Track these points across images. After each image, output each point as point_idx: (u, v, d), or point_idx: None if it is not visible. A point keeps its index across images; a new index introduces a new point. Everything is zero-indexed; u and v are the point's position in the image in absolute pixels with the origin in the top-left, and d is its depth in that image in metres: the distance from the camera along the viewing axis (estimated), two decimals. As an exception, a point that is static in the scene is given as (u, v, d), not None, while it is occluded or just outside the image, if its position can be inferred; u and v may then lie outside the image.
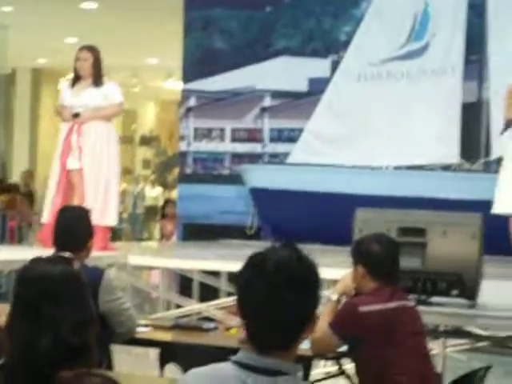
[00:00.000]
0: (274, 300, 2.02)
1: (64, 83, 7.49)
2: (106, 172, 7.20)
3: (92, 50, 7.20)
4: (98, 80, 7.12)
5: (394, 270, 3.90)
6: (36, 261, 2.16)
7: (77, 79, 7.22)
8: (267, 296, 2.02)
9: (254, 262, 2.09)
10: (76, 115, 7.09)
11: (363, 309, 3.74)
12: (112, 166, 7.24)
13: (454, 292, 4.39)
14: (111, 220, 7.26)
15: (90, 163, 7.11)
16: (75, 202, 6.92)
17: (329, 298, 3.98)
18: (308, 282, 2.07)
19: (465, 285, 4.37)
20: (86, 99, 7.10)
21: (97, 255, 5.39)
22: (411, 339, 3.77)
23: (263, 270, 2.05)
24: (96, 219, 6.76)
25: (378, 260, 3.87)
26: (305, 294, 2.05)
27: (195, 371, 2.14)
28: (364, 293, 3.89)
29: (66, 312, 2.03)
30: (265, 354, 2.06)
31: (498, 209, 6.64)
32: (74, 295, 2.07)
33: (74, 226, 4.15)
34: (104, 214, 7.12)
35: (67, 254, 3.96)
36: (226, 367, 2.09)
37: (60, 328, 2.01)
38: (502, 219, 6.69)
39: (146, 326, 4.67)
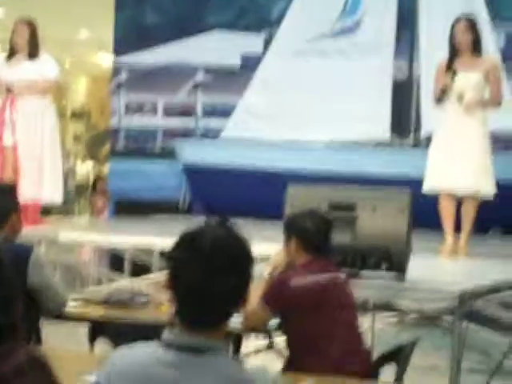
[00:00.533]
0: (208, 277, 2.02)
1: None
2: (40, 148, 7.11)
3: (29, 23, 7.10)
4: (33, 53, 7.02)
5: (326, 244, 3.98)
6: None
7: (13, 53, 7.11)
8: (201, 273, 2.02)
9: (188, 239, 2.07)
10: (8, 90, 6.99)
11: (294, 282, 3.79)
12: (47, 142, 7.15)
13: (384, 266, 4.45)
14: (46, 197, 7.18)
15: (23, 139, 7.01)
16: (7, 178, 6.83)
17: (261, 273, 4.01)
18: (242, 260, 2.07)
19: (394, 259, 4.43)
20: (20, 73, 7.00)
21: (26, 231, 5.32)
22: (341, 312, 3.82)
23: (198, 247, 2.04)
24: (29, 196, 6.71)
25: (311, 234, 3.95)
26: (239, 271, 2.06)
27: (121, 353, 2.13)
28: (296, 268, 3.93)
29: None
30: (194, 331, 2.05)
31: (426, 187, 6.71)
32: None
33: None
34: (38, 190, 7.04)
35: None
36: (151, 349, 2.08)
37: None
38: (433, 195, 6.78)
39: (76, 301, 4.64)
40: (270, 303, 3.82)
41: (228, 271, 2.03)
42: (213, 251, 2.03)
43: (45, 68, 7.06)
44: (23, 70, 7.01)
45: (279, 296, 3.82)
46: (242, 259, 2.08)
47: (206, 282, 2.02)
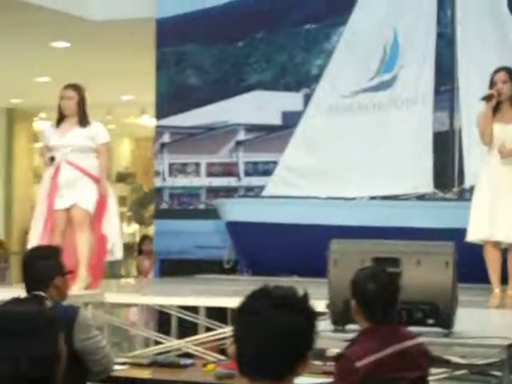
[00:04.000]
0: (276, 325, 2.08)
1: (46, 123, 7.53)
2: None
3: (77, 88, 7.19)
4: (84, 120, 7.12)
5: (389, 310, 3.78)
6: (11, 301, 2.29)
7: (61, 118, 7.20)
8: (270, 321, 2.08)
9: (257, 294, 2.15)
10: (52, 159, 7.08)
11: (360, 364, 3.61)
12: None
13: (430, 321, 4.40)
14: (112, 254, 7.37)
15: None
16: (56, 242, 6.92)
17: None
18: (311, 313, 2.15)
19: (440, 313, 4.38)
20: (73, 139, 7.09)
21: (73, 294, 5.37)
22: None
23: (269, 298, 2.12)
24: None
25: (372, 300, 3.75)
26: (306, 324, 2.12)
27: None
28: (357, 338, 3.78)
29: (27, 346, 2.13)
30: None
31: (470, 237, 6.67)
32: (37, 332, 2.16)
33: (33, 266, 4.19)
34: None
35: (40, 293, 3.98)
36: None
37: (19, 361, 2.12)
38: (477, 247, 6.73)
39: (124, 363, 4.66)
40: None
41: (296, 319, 2.10)
42: (283, 300, 2.12)
43: (97, 134, 7.18)
44: (75, 137, 7.10)
45: (348, 380, 3.62)
46: (310, 311, 2.15)
47: (273, 328, 2.08)
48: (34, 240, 7.11)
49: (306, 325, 2.13)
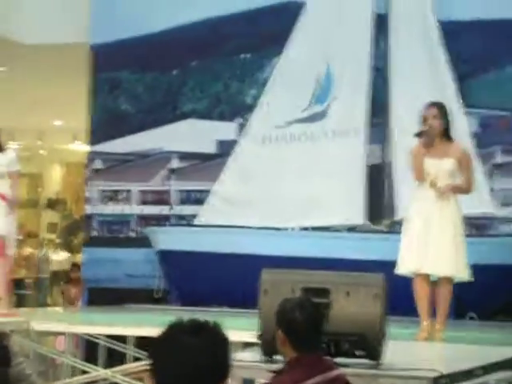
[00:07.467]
0: (193, 350, 2.17)
1: None
2: None
3: None
4: (1, 146, 7.36)
5: (315, 340, 3.77)
6: None
7: None
8: (186, 347, 2.17)
9: (171, 326, 2.24)
10: None
11: None
12: None
13: (358, 352, 4.40)
14: None
15: None
16: None
17: None
18: (223, 337, 2.24)
19: (368, 345, 4.38)
20: None
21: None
22: None
23: (183, 327, 2.22)
24: None
25: (299, 330, 3.72)
26: (221, 347, 2.23)
27: None
28: (284, 368, 3.75)
29: None
30: None
31: (400, 269, 6.71)
32: None
33: None
34: None
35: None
36: None
37: None
38: (407, 279, 6.77)
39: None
40: None
41: (209, 347, 2.19)
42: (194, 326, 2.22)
43: (11, 161, 7.39)
44: None
45: None
46: (222, 337, 2.25)
47: (189, 353, 2.17)
48: None
49: (221, 348, 2.23)
